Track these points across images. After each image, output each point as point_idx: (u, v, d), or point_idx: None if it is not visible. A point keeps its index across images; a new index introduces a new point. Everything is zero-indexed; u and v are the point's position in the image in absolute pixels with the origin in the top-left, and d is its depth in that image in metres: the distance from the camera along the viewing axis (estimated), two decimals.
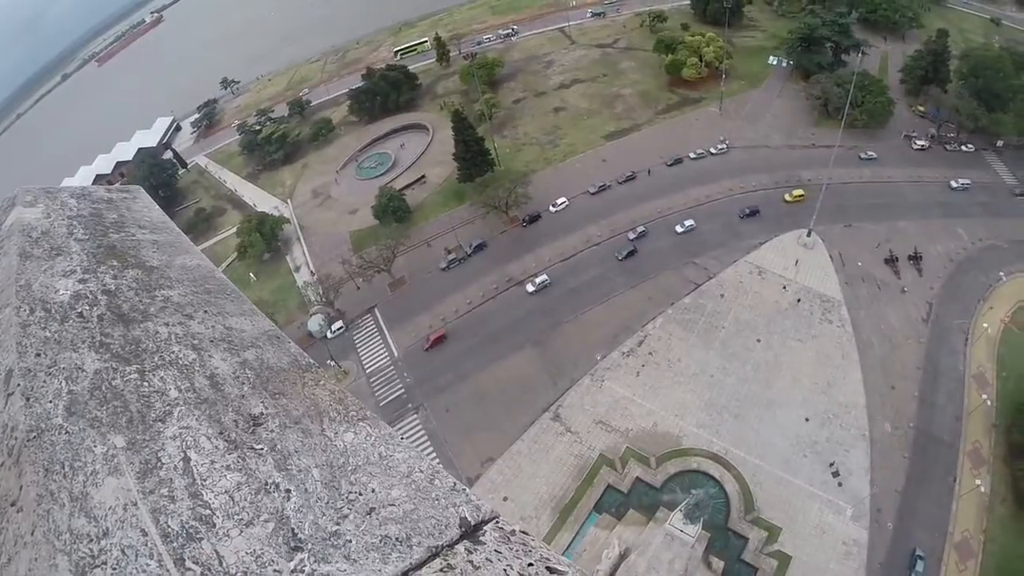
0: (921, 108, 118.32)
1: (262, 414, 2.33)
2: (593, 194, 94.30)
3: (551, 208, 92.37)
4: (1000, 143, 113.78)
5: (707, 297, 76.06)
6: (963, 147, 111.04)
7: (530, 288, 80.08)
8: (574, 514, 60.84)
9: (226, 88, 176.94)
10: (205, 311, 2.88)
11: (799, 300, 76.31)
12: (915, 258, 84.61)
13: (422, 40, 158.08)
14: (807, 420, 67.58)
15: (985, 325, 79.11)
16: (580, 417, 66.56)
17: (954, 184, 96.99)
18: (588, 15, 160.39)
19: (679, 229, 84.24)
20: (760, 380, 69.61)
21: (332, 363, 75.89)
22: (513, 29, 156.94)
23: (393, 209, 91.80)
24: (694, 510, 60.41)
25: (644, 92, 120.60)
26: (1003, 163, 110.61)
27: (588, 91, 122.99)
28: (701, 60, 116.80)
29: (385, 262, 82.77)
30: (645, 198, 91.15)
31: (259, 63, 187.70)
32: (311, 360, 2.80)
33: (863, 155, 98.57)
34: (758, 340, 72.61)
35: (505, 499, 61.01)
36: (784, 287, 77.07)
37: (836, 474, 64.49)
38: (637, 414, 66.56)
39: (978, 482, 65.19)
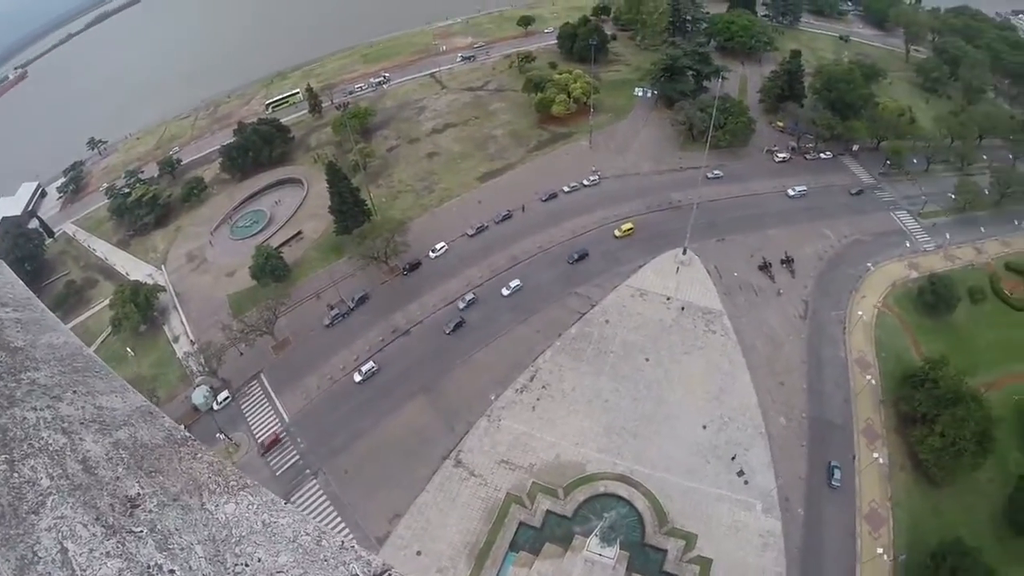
0: (780, 124, 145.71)
1: (139, 495, 2.56)
2: (471, 236, 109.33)
3: (431, 254, 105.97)
4: (855, 147, 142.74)
5: (593, 324, 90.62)
6: (822, 155, 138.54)
7: (357, 377, 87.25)
8: (490, 557, 69.51)
9: (93, 149, 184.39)
10: (74, 391, 3.16)
11: (683, 308, 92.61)
12: (787, 261, 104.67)
13: (294, 92, 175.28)
14: (704, 428, 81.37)
15: (860, 313, 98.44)
16: (482, 459, 76.69)
17: (791, 192, 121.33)
18: (458, 59, 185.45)
19: (505, 292, 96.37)
20: (653, 397, 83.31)
21: (222, 436, 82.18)
22: (385, 77, 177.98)
23: (271, 268, 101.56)
24: (609, 532, 71.43)
25: (516, 131, 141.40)
26: (860, 165, 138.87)
27: (461, 134, 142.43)
28: (569, 96, 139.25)
29: (267, 324, 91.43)
30: (522, 235, 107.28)
31: (127, 121, 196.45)
32: (186, 433, 3.25)
33: (709, 174, 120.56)
34: (647, 359, 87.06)
35: (419, 553, 68.97)
36: (666, 305, 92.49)
37: (741, 473, 77.93)
38: (539, 448, 77.58)
39: (876, 455, 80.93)
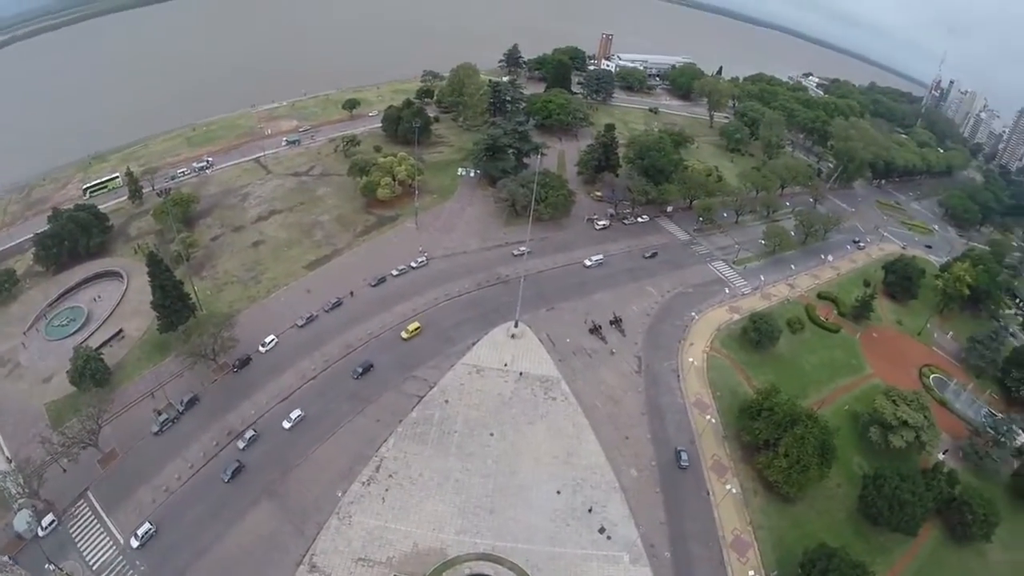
0: (598, 193, 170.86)
1: None
2: (301, 327, 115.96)
3: (260, 348, 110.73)
4: (670, 209, 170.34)
5: (433, 406, 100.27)
6: (639, 219, 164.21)
7: (134, 543, 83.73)
8: None
9: None
10: None
11: (521, 378, 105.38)
12: (616, 322, 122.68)
13: (113, 176, 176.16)
14: (559, 492, 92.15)
15: (691, 359, 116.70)
16: (338, 560, 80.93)
17: (587, 263, 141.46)
18: (283, 143, 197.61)
19: (287, 424, 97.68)
20: (504, 471, 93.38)
21: (51, 567, 78.49)
22: (208, 161, 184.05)
23: (92, 372, 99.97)
24: None
25: (342, 216, 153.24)
26: (676, 224, 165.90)
27: (287, 221, 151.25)
28: (394, 179, 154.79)
29: (90, 435, 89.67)
30: (353, 322, 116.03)
31: None
32: None
33: (515, 252, 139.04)
34: (491, 434, 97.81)
35: None
36: (504, 379, 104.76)
37: (602, 530, 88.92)
38: (395, 540, 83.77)
39: (728, 487, 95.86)
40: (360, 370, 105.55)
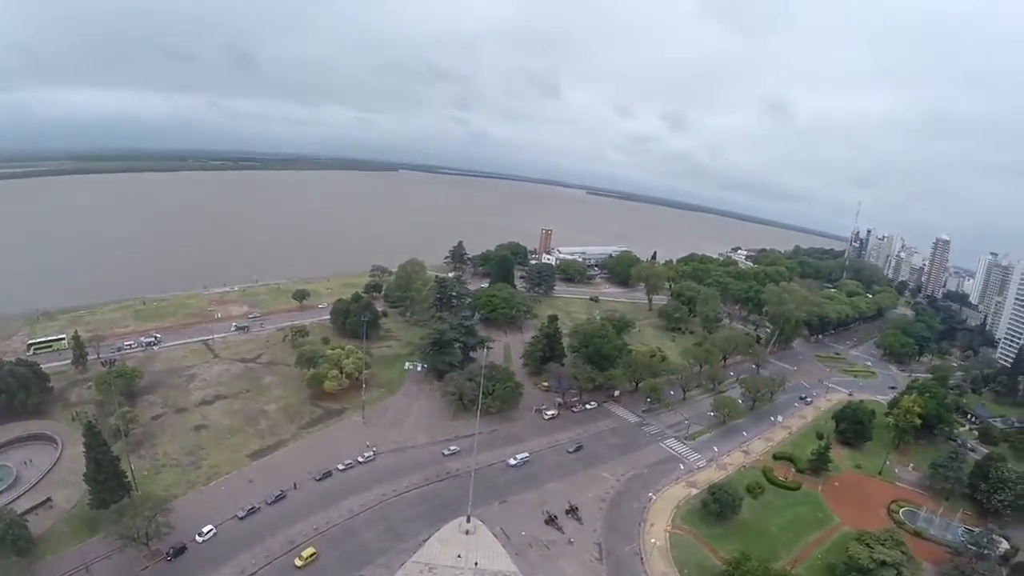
0: (545, 384, 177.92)
1: None
2: (242, 519, 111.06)
3: (197, 538, 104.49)
4: (617, 393, 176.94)
5: None
6: (587, 406, 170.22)
7: None
8: None
9: None
10: None
11: (476, 563, 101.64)
12: (572, 511, 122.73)
13: (60, 337, 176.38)
14: None
15: (653, 540, 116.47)
16: None
17: (512, 461, 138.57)
18: (232, 328, 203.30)
19: None
20: None
21: None
22: (156, 338, 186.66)
23: (13, 539, 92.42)
24: None
25: (288, 407, 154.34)
26: (624, 407, 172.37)
27: (231, 407, 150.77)
28: (342, 372, 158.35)
29: None
30: (297, 518, 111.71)
31: None
32: None
33: (446, 451, 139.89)
34: None
35: None
36: None
37: None
38: None
39: None
40: None
